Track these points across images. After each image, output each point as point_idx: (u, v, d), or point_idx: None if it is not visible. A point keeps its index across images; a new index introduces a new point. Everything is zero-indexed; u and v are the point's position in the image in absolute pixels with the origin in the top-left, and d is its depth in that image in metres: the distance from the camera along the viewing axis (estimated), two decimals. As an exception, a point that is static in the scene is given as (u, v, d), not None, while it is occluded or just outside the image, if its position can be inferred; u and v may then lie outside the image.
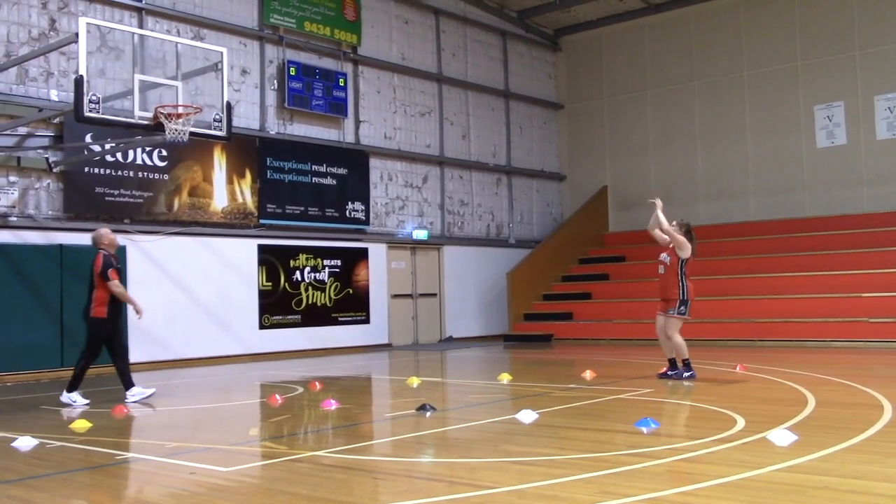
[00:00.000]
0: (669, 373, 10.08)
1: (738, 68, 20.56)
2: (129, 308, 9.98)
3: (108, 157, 13.87)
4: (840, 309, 15.64)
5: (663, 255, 10.11)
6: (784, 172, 19.84)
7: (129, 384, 9.51)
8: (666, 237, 10.08)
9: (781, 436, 5.70)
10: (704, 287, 18.21)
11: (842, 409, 7.53)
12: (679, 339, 9.89)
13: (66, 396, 9.29)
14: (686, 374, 9.85)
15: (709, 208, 20.93)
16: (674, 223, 10.11)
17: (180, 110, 11.05)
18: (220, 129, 11.87)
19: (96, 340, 9.44)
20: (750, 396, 8.60)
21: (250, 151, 15.95)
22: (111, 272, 9.33)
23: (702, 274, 18.59)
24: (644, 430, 6.35)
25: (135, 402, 9.31)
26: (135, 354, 13.98)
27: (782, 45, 19.90)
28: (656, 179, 21.84)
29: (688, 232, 10.04)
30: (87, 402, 9.23)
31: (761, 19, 20.28)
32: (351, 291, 17.63)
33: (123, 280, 13.78)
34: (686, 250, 9.88)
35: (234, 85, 15.74)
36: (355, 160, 17.87)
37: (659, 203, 10.22)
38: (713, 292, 17.82)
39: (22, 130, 12.99)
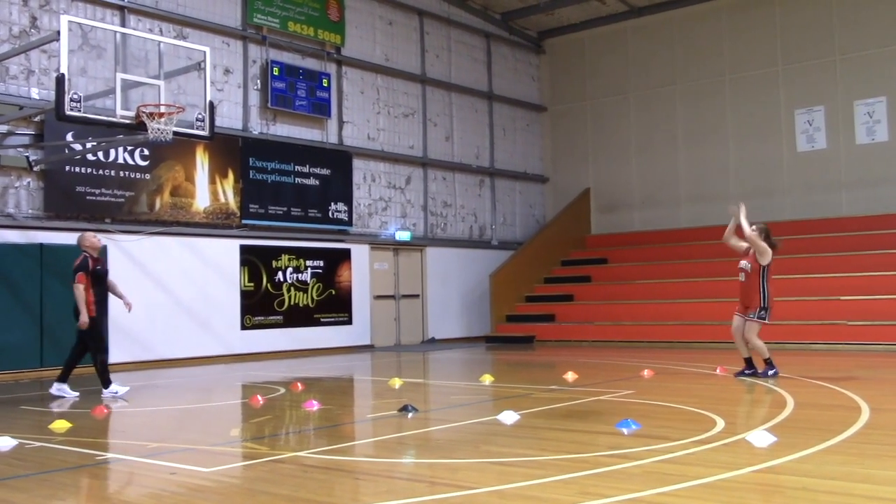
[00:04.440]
0: (746, 371, 10.21)
1: (719, 72, 20.70)
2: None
3: (90, 156, 13.78)
4: (819, 312, 15.77)
5: (744, 263, 10.16)
6: (765, 176, 19.99)
7: (65, 377, 9.90)
8: (743, 244, 10.15)
9: (760, 437, 5.74)
10: (684, 290, 18.42)
11: (820, 411, 7.60)
12: (758, 342, 10.00)
13: (106, 393, 9.81)
14: (770, 372, 9.97)
15: (690, 211, 21.05)
16: (753, 228, 10.19)
17: (163, 109, 11.01)
18: (203, 129, 11.84)
19: (96, 336, 9.88)
20: (730, 398, 8.66)
21: (233, 151, 15.90)
22: (79, 275, 9.69)
23: (683, 276, 18.80)
24: (625, 431, 6.38)
25: (114, 395, 9.71)
26: (116, 354, 13.94)
27: (764, 50, 20.06)
28: (639, 182, 21.96)
29: (767, 237, 10.12)
30: (126, 387, 9.99)
31: (743, 24, 20.43)
32: (333, 292, 17.60)
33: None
34: (767, 256, 9.94)
35: (217, 84, 15.68)
36: (338, 161, 17.85)
37: (743, 209, 10.15)
38: (693, 295, 17.96)
39: (2, 128, 12.90)
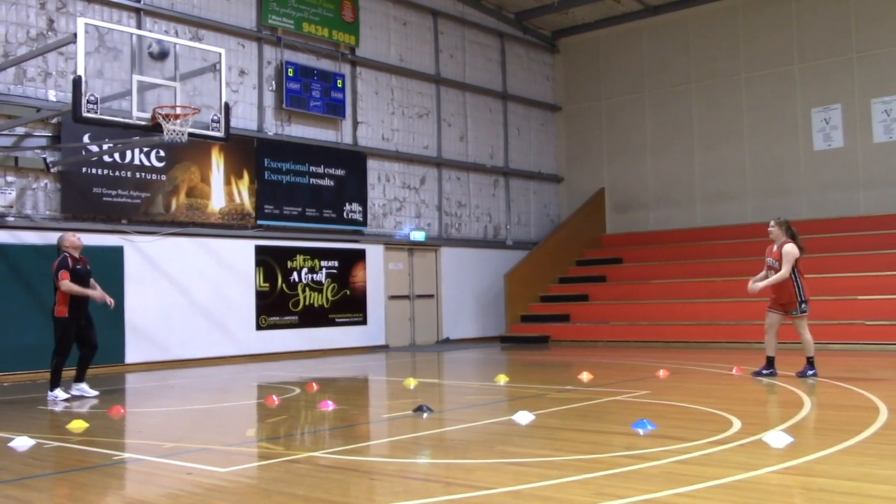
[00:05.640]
0: (763, 371, 10.17)
1: (735, 71, 20.60)
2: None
3: (106, 158, 13.87)
4: (836, 311, 15.65)
5: (771, 260, 10.12)
6: (781, 175, 19.89)
7: (57, 383, 9.81)
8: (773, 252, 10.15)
9: (777, 438, 5.71)
10: (700, 289, 18.33)
11: (837, 412, 7.56)
12: (809, 336, 9.99)
13: (49, 395, 9.72)
14: (810, 372, 9.96)
15: (706, 210, 20.97)
16: (771, 223, 10.16)
17: (178, 111, 11.06)
18: (218, 130, 11.88)
19: (63, 339, 9.76)
20: (746, 398, 8.62)
21: (248, 152, 15.96)
22: (61, 273, 9.64)
23: (698, 276, 18.72)
24: (640, 431, 6.36)
25: (54, 400, 9.64)
26: (132, 355, 14.04)
27: (780, 48, 19.95)
28: (654, 181, 21.89)
29: (788, 229, 10.09)
30: (68, 395, 9.74)
31: (759, 22, 20.33)
32: (348, 292, 17.64)
33: (119, 280, 13.86)
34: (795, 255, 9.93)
35: (232, 86, 15.75)
36: (353, 161, 17.88)
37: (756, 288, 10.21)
38: (708, 294, 17.87)
39: (20, 130, 12.99)
